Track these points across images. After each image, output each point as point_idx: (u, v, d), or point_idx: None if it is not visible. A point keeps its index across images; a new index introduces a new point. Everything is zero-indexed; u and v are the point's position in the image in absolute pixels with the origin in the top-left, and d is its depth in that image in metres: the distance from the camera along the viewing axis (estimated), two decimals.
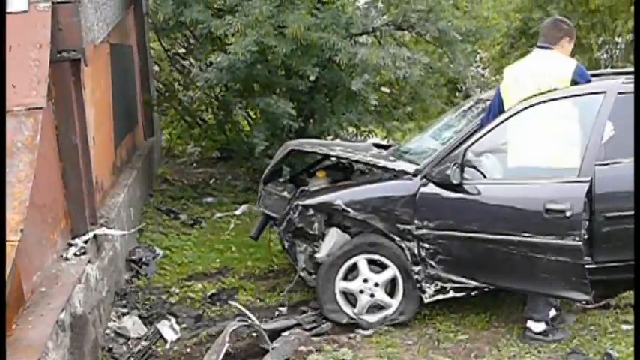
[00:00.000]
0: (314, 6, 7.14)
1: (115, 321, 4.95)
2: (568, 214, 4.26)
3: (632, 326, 4.70)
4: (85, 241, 4.58)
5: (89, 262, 4.45)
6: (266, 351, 4.53)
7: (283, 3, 6.90)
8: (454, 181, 4.57)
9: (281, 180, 5.84)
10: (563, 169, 4.43)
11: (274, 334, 4.73)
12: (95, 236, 4.71)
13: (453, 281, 4.79)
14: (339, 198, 4.94)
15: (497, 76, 12.34)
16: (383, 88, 8.55)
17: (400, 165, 5.04)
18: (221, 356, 4.30)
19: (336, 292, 4.94)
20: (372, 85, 7.02)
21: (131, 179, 6.64)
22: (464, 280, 4.76)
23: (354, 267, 4.93)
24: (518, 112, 4.64)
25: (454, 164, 4.59)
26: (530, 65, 4.79)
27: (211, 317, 5.26)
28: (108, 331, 4.82)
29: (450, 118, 5.79)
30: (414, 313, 4.96)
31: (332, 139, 8.14)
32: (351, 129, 8.35)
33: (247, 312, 4.84)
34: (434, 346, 4.64)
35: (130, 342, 4.78)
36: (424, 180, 4.78)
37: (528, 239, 4.41)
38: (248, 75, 7.21)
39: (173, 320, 5.07)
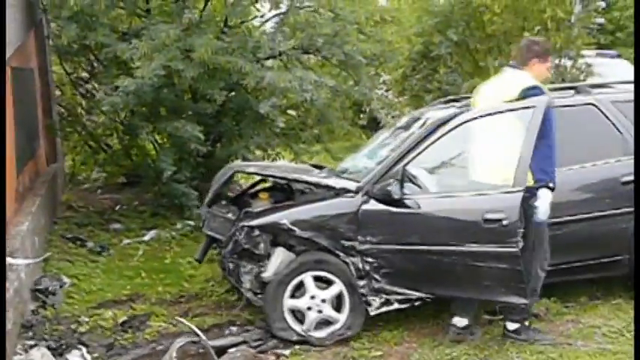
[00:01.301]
0: (220, 30, 7.18)
1: (21, 354, 4.76)
2: (505, 222, 4.48)
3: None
4: None
5: None
6: None
7: (190, 27, 6.89)
8: (395, 196, 4.76)
9: (224, 202, 5.84)
10: (498, 181, 4.66)
11: (220, 352, 4.73)
12: None
13: (398, 293, 4.95)
14: (284, 217, 5.02)
15: (401, 98, 12.75)
16: (289, 111, 8.66)
17: (341, 183, 5.20)
18: None
19: (284, 311, 4.99)
20: (279, 109, 7.10)
21: (34, 206, 6.42)
22: (408, 291, 4.94)
23: (300, 285, 5.00)
24: (455, 127, 4.94)
25: (394, 180, 4.79)
26: (496, 83, 5.06)
27: (123, 345, 5.14)
28: None
29: (383, 138, 6.06)
30: (360, 327, 5.05)
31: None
32: (258, 152, 8.37)
33: (195, 329, 4.83)
34: None
35: None
36: (365, 197, 4.95)
37: (469, 249, 4.64)
38: (155, 99, 7.16)
39: (84, 350, 4.92)
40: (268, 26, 7.84)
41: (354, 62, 7.33)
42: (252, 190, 6.15)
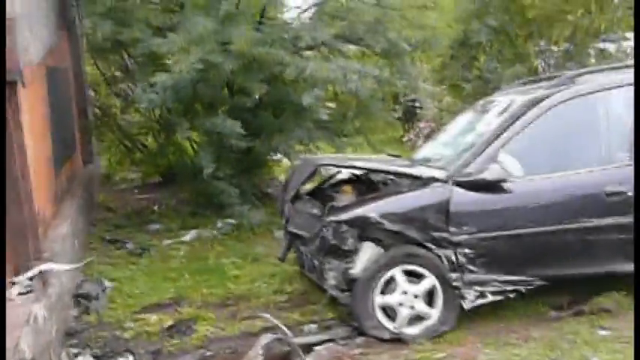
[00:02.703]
0: (258, 21, 6.92)
1: None
2: (630, 193, 4.69)
3: (608, 332, 4.63)
4: (30, 278, 4.20)
5: (36, 300, 4.07)
6: None
7: (227, 19, 6.65)
8: (496, 178, 4.72)
9: (306, 197, 5.59)
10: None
11: (306, 350, 4.58)
12: (40, 272, 4.33)
13: (495, 282, 4.82)
14: (372, 210, 4.82)
15: (439, 88, 12.40)
16: (328, 104, 8.38)
17: (428, 172, 5.03)
18: None
19: (374, 308, 4.80)
20: (321, 100, 6.82)
21: (73, 208, 6.24)
22: (509, 277, 4.82)
23: (390, 280, 4.82)
24: (551, 108, 4.99)
25: (490, 164, 4.76)
26: None
27: (171, 352, 4.91)
28: None
29: (459, 125, 5.99)
30: (454, 323, 4.87)
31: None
32: (298, 147, 8.10)
33: (280, 325, 4.68)
34: None
35: None
36: (456, 185, 4.80)
37: (587, 224, 4.78)
38: (192, 94, 6.93)
39: (130, 358, 4.72)
40: (305, 16, 7.52)
41: (397, 50, 7.02)
42: (330, 183, 5.81)
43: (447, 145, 5.72)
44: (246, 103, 7.06)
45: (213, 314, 5.50)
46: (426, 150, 6.09)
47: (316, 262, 5.01)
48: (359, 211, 4.86)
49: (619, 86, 5.11)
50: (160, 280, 6.33)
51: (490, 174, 4.75)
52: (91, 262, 6.31)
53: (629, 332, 4.55)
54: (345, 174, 5.69)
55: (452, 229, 4.77)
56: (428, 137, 13.65)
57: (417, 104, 13.98)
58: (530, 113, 5.01)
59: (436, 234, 4.78)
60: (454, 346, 4.69)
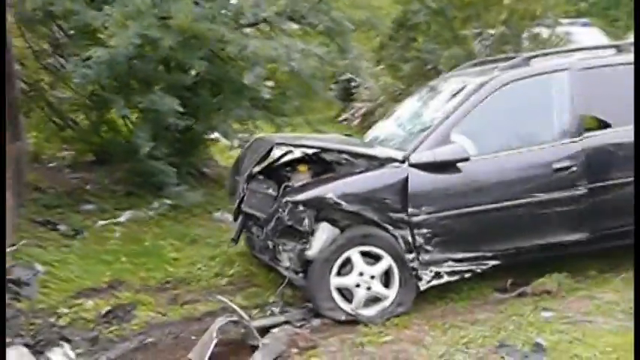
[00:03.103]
0: None
1: None
2: (574, 168, 4.92)
3: (552, 313, 4.69)
4: None
5: None
6: (255, 348, 4.32)
7: None
8: (451, 158, 4.79)
9: (260, 177, 5.41)
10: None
11: (262, 332, 4.52)
12: None
13: (450, 262, 4.88)
14: (330, 191, 4.76)
15: (376, 68, 12.35)
16: (267, 82, 8.21)
17: (386, 152, 4.99)
18: (209, 353, 4.18)
19: (331, 289, 4.76)
20: (263, 79, 6.64)
21: None
22: (465, 255, 4.89)
23: (346, 261, 4.78)
24: (498, 89, 5.08)
25: (445, 144, 4.82)
26: None
27: (109, 339, 4.73)
28: None
29: (410, 106, 6.03)
30: (411, 304, 4.88)
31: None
32: (236, 126, 7.92)
33: (236, 307, 4.63)
34: (358, 350, 4.38)
35: None
36: (412, 166, 4.81)
37: (539, 198, 4.94)
38: (128, 71, 6.65)
39: (66, 346, 4.49)
40: None
41: (341, 29, 6.90)
42: (282, 162, 5.65)
43: (400, 126, 5.72)
44: (185, 80, 6.83)
45: (153, 299, 5.34)
46: (378, 130, 6.07)
47: (270, 244, 4.91)
48: (316, 192, 4.80)
49: (568, 68, 5.25)
50: (95, 263, 6.08)
51: (445, 154, 4.79)
52: (21, 246, 6.02)
53: (572, 313, 4.68)
54: (296, 153, 5.56)
55: (410, 209, 4.77)
56: (364, 117, 13.75)
57: (352, 84, 13.96)
58: (483, 92, 5.07)
59: (394, 215, 4.77)
60: (400, 328, 4.67)
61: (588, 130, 5.17)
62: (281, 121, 7.77)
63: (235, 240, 5.54)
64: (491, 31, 11.09)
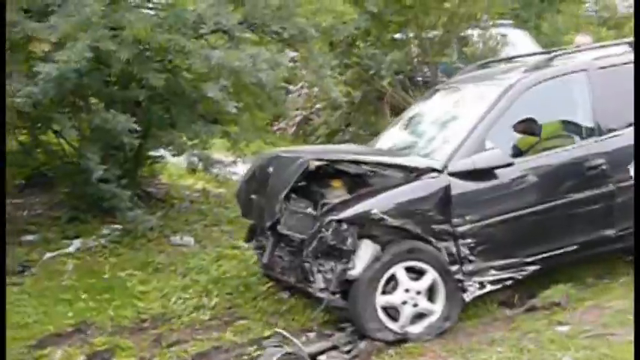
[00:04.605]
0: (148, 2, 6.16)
1: None
2: (604, 167, 4.93)
3: (568, 327, 4.49)
4: None
5: None
6: None
7: (116, 1, 5.84)
8: (489, 165, 4.70)
9: (293, 196, 4.96)
10: None
11: None
12: None
13: (492, 270, 4.74)
14: (374, 206, 4.53)
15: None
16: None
17: (422, 162, 4.80)
18: None
19: (377, 309, 4.52)
20: (226, 91, 6.16)
21: None
22: (506, 261, 4.77)
23: (389, 279, 4.57)
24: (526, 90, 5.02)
25: (479, 151, 4.73)
26: None
27: None
28: None
29: (421, 113, 5.93)
30: (457, 318, 4.71)
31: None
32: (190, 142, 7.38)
33: (289, 336, 4.53)
34: None
35: None
36: (452, 174, 4.69)
37: (572, 198, 4.92)
38: (77, 87, 6.04)
39: None
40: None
41: (305, 36, 6.52)
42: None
43: (419, 133, 5.60)
44: (139, 95, 6.27)
45: (132, 342, 4.80)
46: (391, 139, 5.83)
47: (306, 265, 4.61)
48: (360, 208, 4.54)
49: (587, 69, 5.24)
50: (52, 303, 5.48)
51: (485, 160, 4.70)
52: None
53: (588, 326, 4.49)
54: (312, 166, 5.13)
55: (454, 220, 4.64)
56: (299, 126, 13.41)
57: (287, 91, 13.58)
58: (513, 95, 4.99)
59: (437, 226, 4.63)
60: (415, 356, 4.37)
61: (611, 129, 5.15)
62: (237, 135, 7.31)
63: (267, 265, 5.17)
64: (430, 35, 11.03)
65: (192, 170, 7.56)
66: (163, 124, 6.95)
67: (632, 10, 23.04)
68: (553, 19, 16.00)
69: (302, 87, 12.96)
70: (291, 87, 12.64)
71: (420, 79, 10.92)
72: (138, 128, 6.17)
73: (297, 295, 5.29)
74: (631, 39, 5.69)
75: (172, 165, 8.58)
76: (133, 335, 4.92)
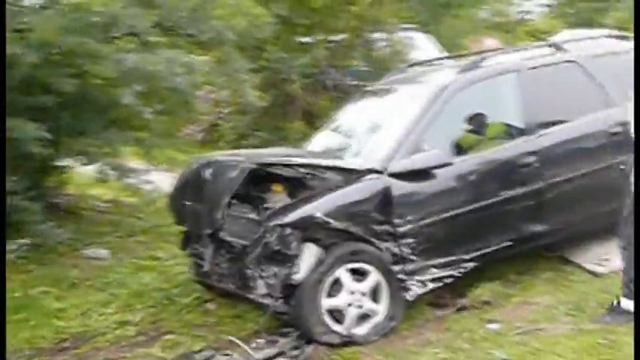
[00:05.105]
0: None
1: None
2: (536, 165, 5.08)
3: (499, 325, 4.57)
4: None
5: None
6: None
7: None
8: (428, 165, 4.73)
9: (234, 201, 4.79)
10: None
11: None
12: None
13: (433, 269, 4.78)
14: (316, 209, 4.47)
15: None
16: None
17: (361, 163, 4.78)
18: None
19: (322, 312, 4.47)
20: (144, 97, 5.93)
21: None
22: (446, 259, 4.81)
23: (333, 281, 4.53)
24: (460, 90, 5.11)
25: (417, 152, 4.75)
26: None
27: None
28: None
29: (352, 114, 5.91)
30: (401, 318, 4.71)
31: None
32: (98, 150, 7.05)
33: (241, 343, 4.46)
34: None
35: None
36: (392, 174, 4.69)
37: (506, 195, 5.00)
38: None
39: None
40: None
41: (222, 39, 6.37)
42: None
43: (352, 135, 5.58)
44: (47, 102, 5.94)
45: None
46: (323, 141, 5.79)
47: (248, 271, 4.52)
48: (302, 212, 4.47)
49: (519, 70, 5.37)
50: None
51: (424, 161, 4.74)
52: None
53: (519, 322, 4.59)
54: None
55: (395, 220, 4.65)
56: (207, 131, 13.16)
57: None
58: (447, 95, 5.06)
59: (379, 227, 4.63)
60: None
61: (542, 128, 5.27)
62: (150, 141, 7.05)
63: (203, 274, 5.06)
64: (336, 38, 11.09)
65: (101, 180, 7.26)
66: (74, 132, 6.61)
67: (522, 16, 24.22)
68: (451, 23, 16.53)
69: (209, 92, 12.74)
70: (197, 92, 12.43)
71: (329, 82, 10.91)
72: (49, 137, 5.84)
73: (224, 306, 5.17)
74: (551, 41, 5.91)
75: (78, 174, 8.20)
76: (54, 357, 4.64)
